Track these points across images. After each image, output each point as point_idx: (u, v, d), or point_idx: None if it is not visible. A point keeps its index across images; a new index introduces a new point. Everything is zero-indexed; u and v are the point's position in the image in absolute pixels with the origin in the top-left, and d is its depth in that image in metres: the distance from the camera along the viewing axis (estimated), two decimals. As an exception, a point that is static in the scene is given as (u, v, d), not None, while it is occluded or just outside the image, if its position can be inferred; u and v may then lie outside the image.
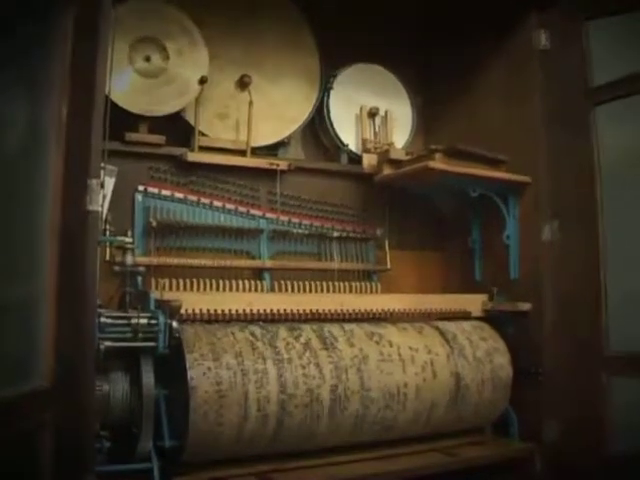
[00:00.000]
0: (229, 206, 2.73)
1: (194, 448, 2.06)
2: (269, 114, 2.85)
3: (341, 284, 2.80)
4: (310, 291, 2.69)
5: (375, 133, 3.06)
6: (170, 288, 2.44)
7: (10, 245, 1.65)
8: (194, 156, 2.64)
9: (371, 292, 2.87)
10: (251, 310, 2.39)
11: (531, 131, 2.75)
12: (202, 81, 2.62)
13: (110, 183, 2.41)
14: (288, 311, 2.46)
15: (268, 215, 2.79)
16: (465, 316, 2.79)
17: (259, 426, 2.14)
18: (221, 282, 2.55)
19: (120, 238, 2.28)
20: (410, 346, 2.47)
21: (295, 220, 2.85)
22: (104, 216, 2.26)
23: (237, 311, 2.37)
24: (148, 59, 2.58)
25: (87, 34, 1.84)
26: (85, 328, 1.81)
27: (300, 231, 2.84)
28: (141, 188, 2.58)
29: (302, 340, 2.30)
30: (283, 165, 2.81)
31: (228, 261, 2.64)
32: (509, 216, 2.81)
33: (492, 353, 2.62)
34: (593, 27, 2.57)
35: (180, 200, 2.63)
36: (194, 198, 2.66)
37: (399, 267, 3.03)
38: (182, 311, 2.17)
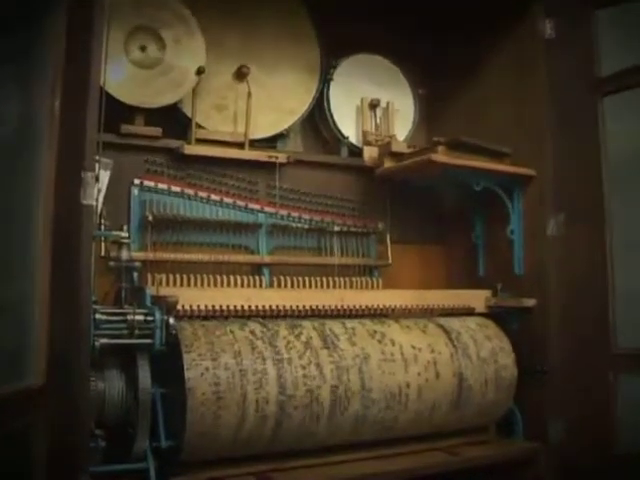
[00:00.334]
0: (227, 200, 2.70)
1: (191, 448, 2.05)
2: (268, 105, 2.83)
3: (341, 279, 2.78)
4: (310, 287, 2.68)
5: (376, 125, 3.03)
6: (167, 284, 2.42)
7: (1, 240, 1.64)
8: (191, 149, 2.62)
9: (372, 288, 2.85)
10: (250, 306, 2.37)
11: (536, 123, 2.73)
12: (199, 72, 2.60)
13: (105, 176, 2.39)
14: (287, 307, 2.44)
15: (267, 209, 2.77)
16: (469, 312, 2.77)
17: (257, 427, 2.13)
18: (219, 278, 2.53)
19: (115, 233, 2.25)
20: (413, 345, 2.45)
21: (294, 214, 2.82)
22: (99, 210, 2.23)
23: (235, 307, 2.35)
24: (144, 49, 2.56)
25: (81, 23, 1.83)
26: (79, 325, 1.80)
27: (300, 225, 2.81)
28: (137, 181, 2.55)
29: (303, 339, 2.28)
30: (282, 158, 2.78)
31: (226, 256, 2.62)
32: (513, 210, 2.79)
33: (497, 353, 2.60)
34: (601, 16, 2.52)
35: (177, 194, 2.61)
36: (191, 192, 2.64)
37: (401, 262, 3.01)
38: (179, 307, 2.16)
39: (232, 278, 2.55)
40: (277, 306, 2.42)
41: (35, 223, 1.75)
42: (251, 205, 2.74)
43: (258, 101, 2.76)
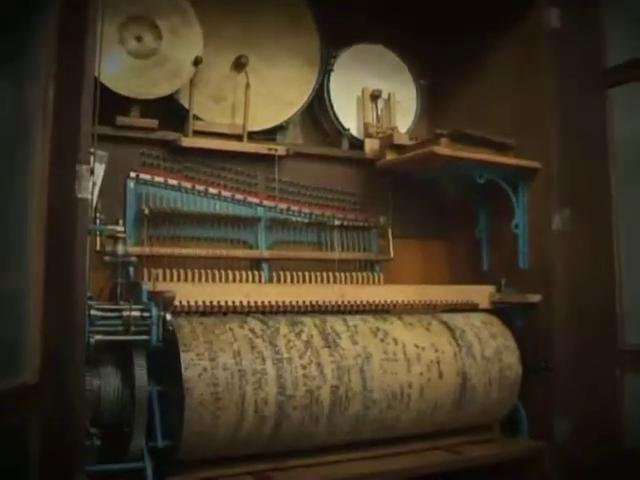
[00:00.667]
0: (225, 193, 2.67)
1: (188, 447, 2.04)
2: (267, 97, 2.81)
3: (342, 275, 2.75)
4: (310, 282, 2.66)
5: (377, 117, 3.01)
6: (163, 279, 2.41)
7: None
8: (188, 141, 2.59)
9: (373, 283, 2.83)
10: (248, 302, 2.35)
11: (541, 114, 2.69)
12: (196, 62, 2.57)
13: (100, 169, 2.36)
14: (287, 303, 2.42)
15: (266, 203, 2.74)
16: (472, 308, 2.75)
17: (256, 427, 2.11)
18: (217, 273, 2.51)
19: (111, 227, 2.25)
20: (416, 344, 2.43)
21: (294, 208, 2.80)
22: (94, 204, 2.23)
23: (234, 303, 2.32)
24: (139, 39, 2.53)
25: (75, 12, 1.82)
26: (74, 321, 1.79)
27: (299, 219, 2.79)
28: (133, 174, 2.52)
29: (304, 337, 2.26)
30: (281, 150, 2.76)
31: (224, 251, 2.59)
32: (518, 204, 2.77)
33: (501, 352, 2.58)
34: (608, 5, 2.49)
35: (174, 187, 2.58)
36: (188, 185, 2.61)
37: (402, 257, 2.98)
38: (176, 303, 2.14)
39: (230, 273, 2.52)
40: (277, 302, 2.39)
41: (29, 217, 1.75)
42: (250, 199, 2.71)
43: (257, 92, 2.74)
